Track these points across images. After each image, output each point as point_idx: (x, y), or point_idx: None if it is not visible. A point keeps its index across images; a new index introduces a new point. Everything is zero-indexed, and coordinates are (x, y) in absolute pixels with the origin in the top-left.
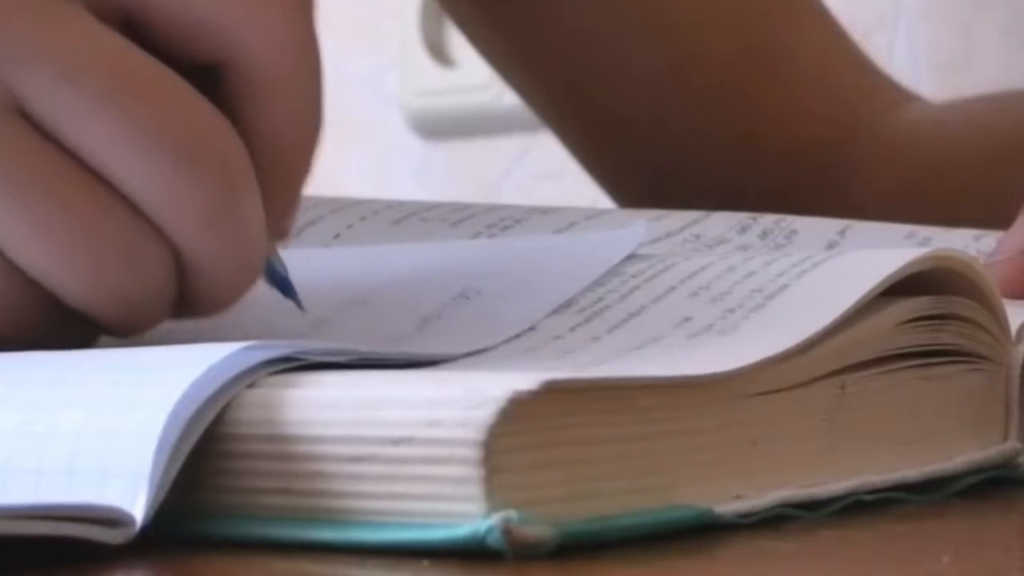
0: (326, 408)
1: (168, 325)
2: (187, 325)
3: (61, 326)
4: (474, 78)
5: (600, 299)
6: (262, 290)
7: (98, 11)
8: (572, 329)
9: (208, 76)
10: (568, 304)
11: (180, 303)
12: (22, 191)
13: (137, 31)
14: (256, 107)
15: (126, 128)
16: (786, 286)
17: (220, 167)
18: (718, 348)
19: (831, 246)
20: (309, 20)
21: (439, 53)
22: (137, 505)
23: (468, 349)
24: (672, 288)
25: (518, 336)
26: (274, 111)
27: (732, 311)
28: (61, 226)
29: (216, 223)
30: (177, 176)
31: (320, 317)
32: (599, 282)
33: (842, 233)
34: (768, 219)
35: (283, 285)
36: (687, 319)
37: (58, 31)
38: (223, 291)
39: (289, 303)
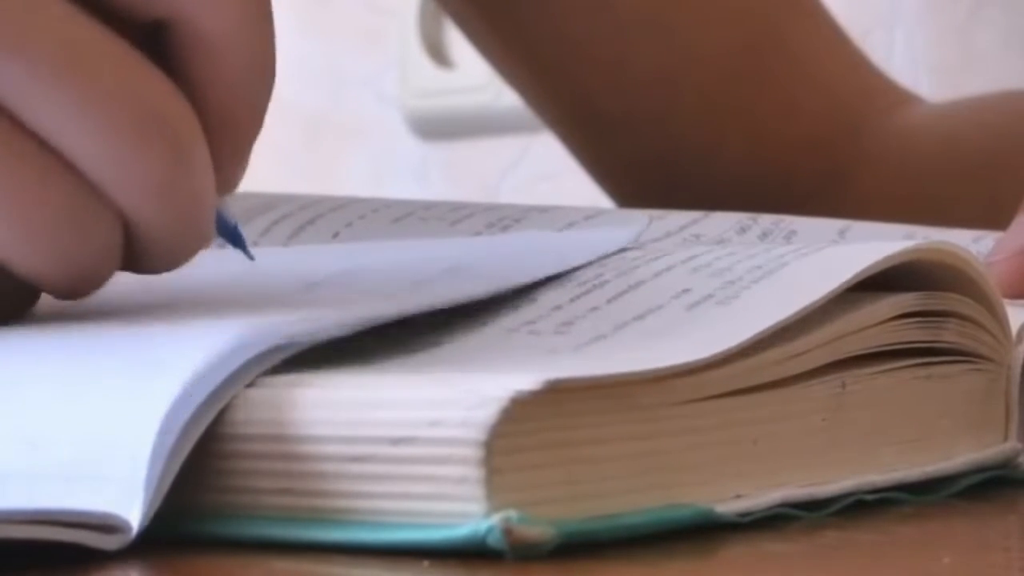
0: (327, 408)
1: (166, 297)
2: (183, 296)
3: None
4: (473, 78)
5: (600, 274)
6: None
7: None
8: (572, 300)
9: (153, 34)
10: (568, 278)
11: (128, 261)
12: None
13: None
14: (203, 64)
15: (73, 98)
16: (786, 264)
17: (170, 136)
18: (718, 319)
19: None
20: None
21: (438, 54)
22: (133, 511)
23: (463, 297)
24: (672, 266)
25: (517, 308)
26: (222, 67)
27: (732, 283)
28: (4, 192)
29: (166, 192)
30: (126, 146)
31: (312, 280)
32: (600, 262)
33: (842, 233)
34: (768, 219)
35: (232, 236)
36: (686, 290)
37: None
38: (172, 254)
39: (277, 259)
